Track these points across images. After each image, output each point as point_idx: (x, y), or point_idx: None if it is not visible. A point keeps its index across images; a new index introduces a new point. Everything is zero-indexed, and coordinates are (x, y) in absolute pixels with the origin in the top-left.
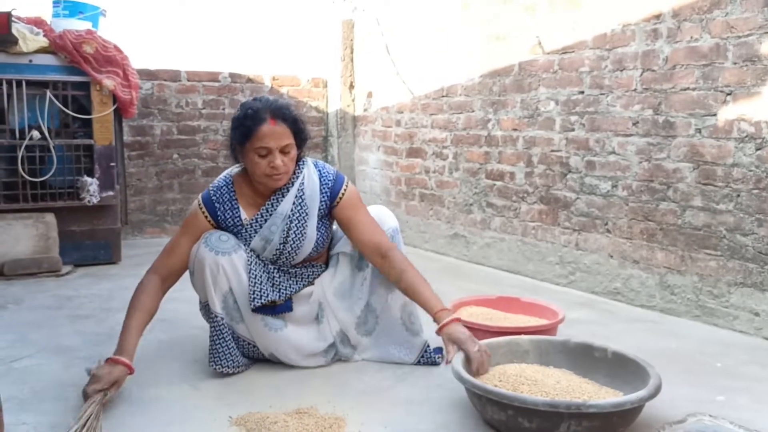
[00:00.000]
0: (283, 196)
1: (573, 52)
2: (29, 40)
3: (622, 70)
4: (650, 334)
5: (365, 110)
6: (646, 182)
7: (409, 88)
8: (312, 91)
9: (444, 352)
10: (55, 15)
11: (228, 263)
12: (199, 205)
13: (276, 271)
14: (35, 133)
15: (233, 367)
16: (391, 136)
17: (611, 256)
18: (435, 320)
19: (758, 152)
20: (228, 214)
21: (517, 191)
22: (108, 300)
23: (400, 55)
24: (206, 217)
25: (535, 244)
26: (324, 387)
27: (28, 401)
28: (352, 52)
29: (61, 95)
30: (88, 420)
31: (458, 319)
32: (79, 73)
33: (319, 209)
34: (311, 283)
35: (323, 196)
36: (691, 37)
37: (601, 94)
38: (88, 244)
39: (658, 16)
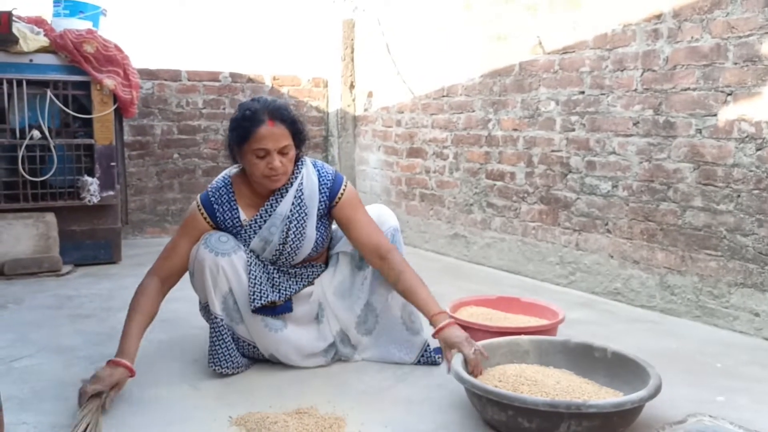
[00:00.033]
0: (282, 197)
1: (573, 52)
2: (30, 39)
3: (622, 70)
4: (650, 335)
5: (366, 110)
6: (646, 182)
7: (409, 88)
8: (312, 91)
9: (443, 354)
10: (56, 14)
11: (228, 264)
12: (198, 206)
13: (276, 271)
14: (36, 133)
15: (233, 368)
16: (391, 136)
17: (611, 257)
18: (431, 323)
19: (759, 152)
20: (227, 215)
21: (517, 191)
22: (108, 300)
23: (401, 55)
24: (205, 218)
25: (536, 245)
26: (324, 387)
27: (28, 401)
28: (352, 52)
29: (62, 95)
30: (87, 426)
31: (454, 322)
32: (79, 72)
33: (318, 209)
34: (311, 283)
35: (322, 196)
36: (692, 38)
37: (602, 94)
38: (89, 244)
39: (658, 16)
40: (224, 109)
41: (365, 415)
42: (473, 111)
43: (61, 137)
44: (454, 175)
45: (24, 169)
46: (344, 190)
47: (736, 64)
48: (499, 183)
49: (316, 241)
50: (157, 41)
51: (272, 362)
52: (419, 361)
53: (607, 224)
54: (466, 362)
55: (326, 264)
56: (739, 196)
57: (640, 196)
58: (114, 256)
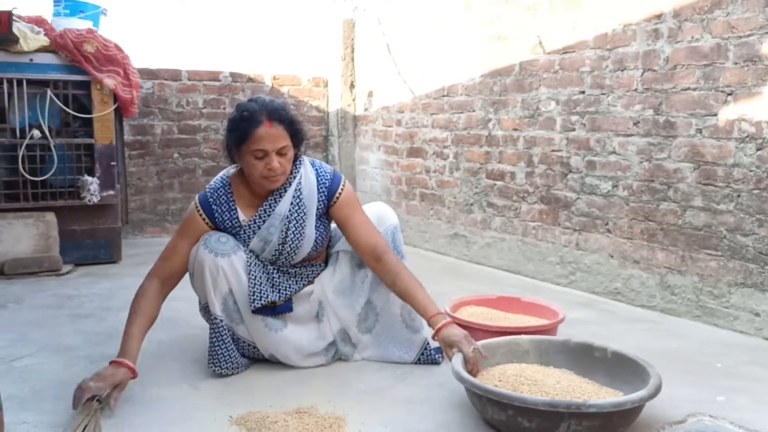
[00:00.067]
0: (281, 197)
1: (574, 51)
2: (30, 39)
3: (622, 70)
4: (650, 334)
5: (366, 110)
6: (646, 182)
7: (409, 88)
8: (313, 91)
9: (443, 354)
10: (56, 14)
11: (227, 265)
12: (196, 207)
13: (275, 271)
14: (36, 132)
15: (232, 368)
16: (391, 135)
17: (612, 256)
18: (430, 325)
19: (759, 152)
20: (226, 215)
21: (517, 191)
22: (108, 299)
23: (401, 55)
24: (203, 219)
25: (536, 244)
26: (324, 387)
27: (28, 400)
28: (353, 52)
29: (62, 94)
30: (86, 427)
31: (452, 322)
32: (79, 72)
33: (317, 208)
34: (311, 282)
35: (321, 195)
36: (692, 37)
37: (602, 94)
38: (89, 244)
39: (659, 16)
40: (224, 108)
41: (365, 415)
42: (473, 111)
43: (62, 137)
44: (454, 174)
45: (24, 168)
46: (342, 189)
47: (736, 64)
48: (499, 183)
49: (315, 241)
50: (157, 41)
51: (272, 362)
52: (419, 360)
53: (607, 224)
54: (465, 361)
55: (326, 263)
56: (739, 195)
57: (641, 195)
58: (114, 256)
